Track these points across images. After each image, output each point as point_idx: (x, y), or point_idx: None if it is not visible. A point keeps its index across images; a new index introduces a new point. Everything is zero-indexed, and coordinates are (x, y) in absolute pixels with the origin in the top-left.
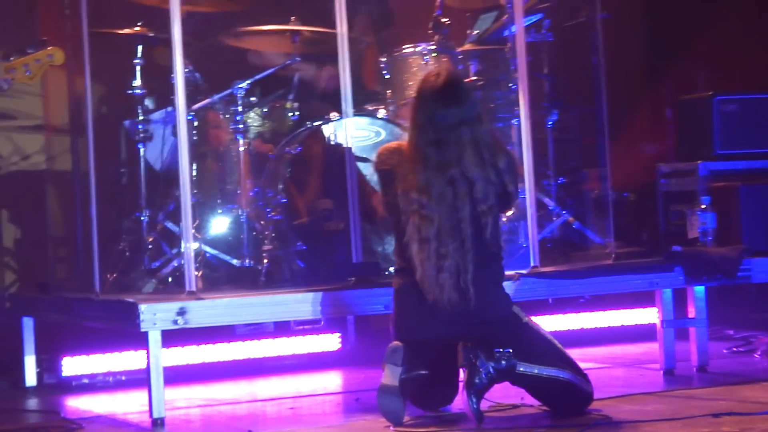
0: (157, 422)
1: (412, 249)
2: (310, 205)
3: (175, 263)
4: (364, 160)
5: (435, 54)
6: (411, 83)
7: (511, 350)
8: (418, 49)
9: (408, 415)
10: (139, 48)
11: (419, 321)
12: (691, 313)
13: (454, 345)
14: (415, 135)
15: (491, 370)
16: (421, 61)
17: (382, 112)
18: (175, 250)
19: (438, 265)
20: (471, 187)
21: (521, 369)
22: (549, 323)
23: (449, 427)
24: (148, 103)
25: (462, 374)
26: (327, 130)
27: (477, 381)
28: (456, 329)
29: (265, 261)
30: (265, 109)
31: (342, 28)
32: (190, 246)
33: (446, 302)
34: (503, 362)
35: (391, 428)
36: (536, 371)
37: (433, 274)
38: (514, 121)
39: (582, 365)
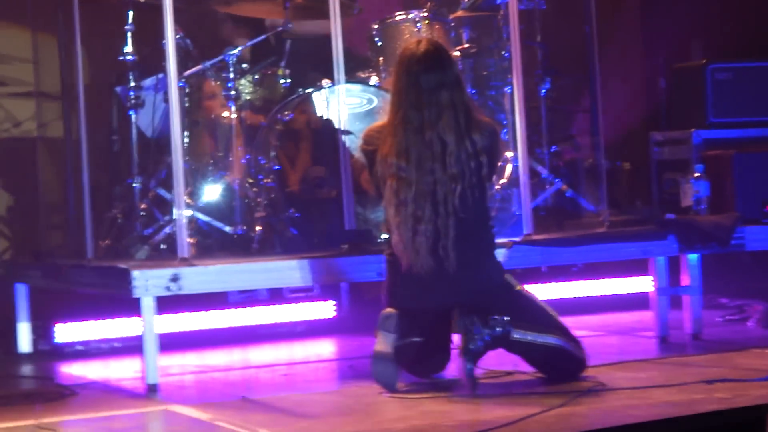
0: (151, 388)
1: (389, 213)
2: (303, 173)
3: (167, 230)
4: (347, 133)
5: (427, 21)
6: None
7: (506, 317)
8: (410, 16)
9: (401, 381)
10: (130, 14)
11: (409, 289)
12: (685, 281)
13: (447, 312)
14: (397, 100)
15: (486, 336)
16: (413, 28)
17: (374, 80)
18: (167, 217)
19: (414, 229)
20: (445, 150)
21: (516, 336)
22: (542, 291)
23: (443, 393)
24: (139, 69)
25: (457, 340)
26: (319, 97)
27: (472, 347)
28: (446, 297)
29: (258, 228)
30: (256, 76)
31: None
32: (182, 213)
33: (421, 267)
34: (498, 329)
35: (385, 394)
36: (530, 338)
37: (408, 236)
38: (507, 89)
39: (576, 333)
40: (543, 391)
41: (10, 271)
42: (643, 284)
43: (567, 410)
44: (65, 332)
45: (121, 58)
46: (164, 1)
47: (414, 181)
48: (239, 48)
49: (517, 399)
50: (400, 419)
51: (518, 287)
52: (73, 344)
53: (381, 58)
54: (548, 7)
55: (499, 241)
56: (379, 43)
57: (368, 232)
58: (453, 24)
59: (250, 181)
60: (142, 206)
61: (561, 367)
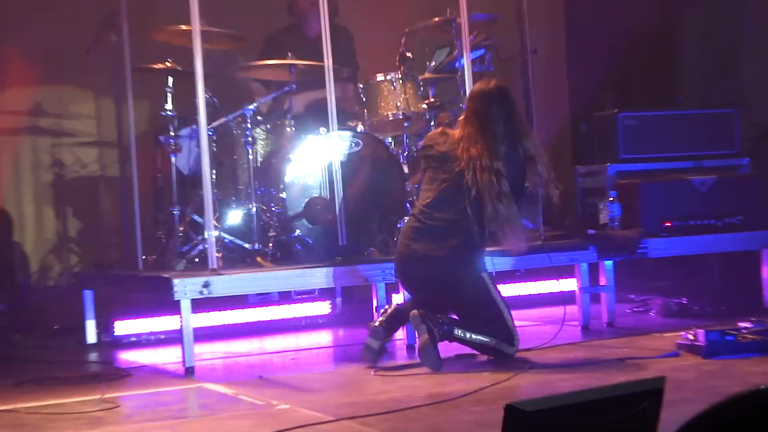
0: (189, 370)
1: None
2: (307, 200)
3: (200, 247)
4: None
5: (401, 81)
6: (383, 104)
7: (452, 317)
8: (388, 77)
9: (382, 362)
10: (170, 79)
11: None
12: (602, 281)
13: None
14: (478, 120)
15: (435, 332)
16: (390, 86)
17: (360, 127)
18: (200, 237)
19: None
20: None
21: (457, 333)
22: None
23: (415, 371)
24: (177, 122)
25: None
26: (318, 141)
27: (431, 339)
28: (425, 274)
29: (271, 245)
30: (269, 126)
31: (328, 62)
32: (211, 233)
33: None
34: (445, 327)
35: (371, 373)
36: (467, 336)
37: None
38: None
39: (518, 323)
40: (492, 368)
41: (79, 281)
42: (570, 284)
43: (512, 383)
44: (122, 327)
45: (163, 113)
46: (196, 69)
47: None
48: (254, 104)
49: (472, 375)
50: (382, 392)
51: (490, 286)
52: (128, 336)
53: (365, 110)
54: (495, 69)
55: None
56: (364, 99)
57: (357, 247)
58: (421, 83)
59: (264, 208)
60: (181, 229)
61: (494, 355)
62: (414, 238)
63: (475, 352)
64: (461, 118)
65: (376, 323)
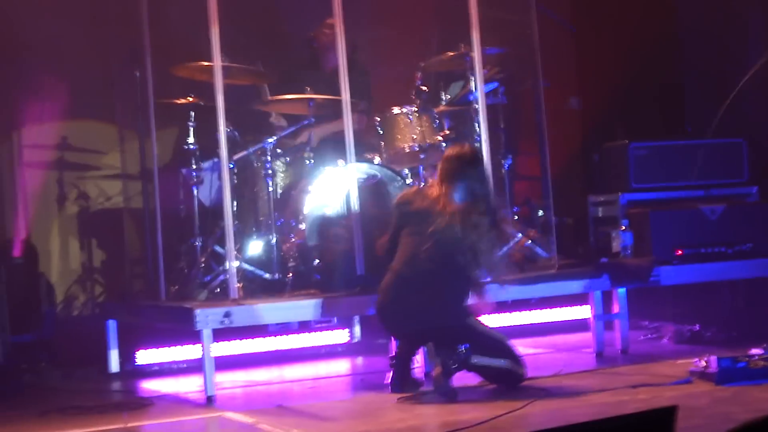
0: (210, 399)
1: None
2: (325, 232)
3: (221, 277)
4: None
5: (417, 114)
6: (399, 136)
7: (468, 345)
8: (404, 110)
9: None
10: (192, 113)
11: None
12: (616, 309)
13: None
14: (455, 180)
15: (454, 363)
16: (407, 119)
17: (377, 159)
18: (221, 267)
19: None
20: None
21: (474, 361)
22: (509, 319)
23: (431, 401)
24: (199, 155)
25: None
26: (336, 172)
27: (448, 370)
28: (421, 328)
29: (290, 275)
30: (288, 159)
31: (345, 96)
32: (232, 264)
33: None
34: (462, 355)
35: (388, 402)
36: (485, 362)
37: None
38: None
39: (531, 351)
40: (506, 397)
41: (103, 310)
42: (584, 312)
43: (525, 411)
44: (144, 356)
45: (186, 146)
46: (218, 104)
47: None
48: (274, 138)
49: (486, 404)
50: (400, 420)
51: (479, 326)
52: (150, 365)
53: (383, 143)
54: (508, 102)
55: None
56: (381, 131)
57: (375, 277)
58: (437, 116)
59: (284, 238)
60: (202, 259)
61: (507, 380)
62: (402, 293)
63: (486, 381)
64: (436, 178)
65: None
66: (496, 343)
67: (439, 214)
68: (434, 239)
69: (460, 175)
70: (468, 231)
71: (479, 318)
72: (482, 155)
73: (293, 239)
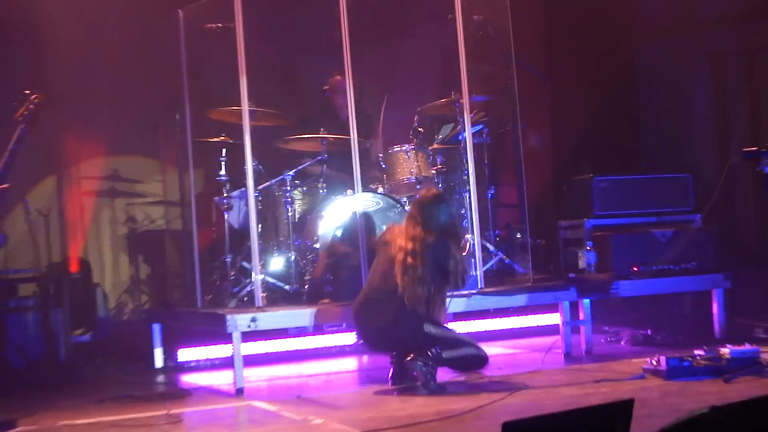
0: (240, 390)
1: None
2: (334, 250)
3: (248, 288)
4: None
5: (414, 151)
6: (399, 170)
7: (438, 347)
8: (403, 148)
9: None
10: (224, 150)
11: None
12: (581, 316)
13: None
14: (422, 220)
15: (431, 362)
16: (405, 156)
17: (380, 189)
18: (248, 280)
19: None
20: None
21: (446, 356)
22: (491, 324)
23: (426, 393)
24: (229, 185)
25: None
26: (345, 201)
27: (428, 374)
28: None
29: (306, 287)
30: (305, 189)
31: (353, 135)
32: (257, 277)
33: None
34: (435, 354)
35: (389, 394)
36: (454, 355)
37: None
38: (466, 194)
39: (510, 351)
40: (489, 389)
41: (148, 316)
42: (555, 319)
43: (506, 401)
44: (184, 354)
45: (218, 178)
46: (245, 142)
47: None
48: (293, 171)
49: (473, 395)
50: (400, 409)
51: (434, 330)
52: (189, 362)
53: (385, 176)
54: (492, 141)
55: (463, 292)
56: (384, 166)
57: None
58: (431, 153)
59: (301, 256)
60: (232, 273)
61: (476, 365)
62: (360, 317)
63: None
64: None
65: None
66: (454, 338)
67: (399, 245)
68: (389, 265)
69: (423, 217)
70: (427, 253)
71: (432, 323)
72: (443, 197)
73: (309, 256)
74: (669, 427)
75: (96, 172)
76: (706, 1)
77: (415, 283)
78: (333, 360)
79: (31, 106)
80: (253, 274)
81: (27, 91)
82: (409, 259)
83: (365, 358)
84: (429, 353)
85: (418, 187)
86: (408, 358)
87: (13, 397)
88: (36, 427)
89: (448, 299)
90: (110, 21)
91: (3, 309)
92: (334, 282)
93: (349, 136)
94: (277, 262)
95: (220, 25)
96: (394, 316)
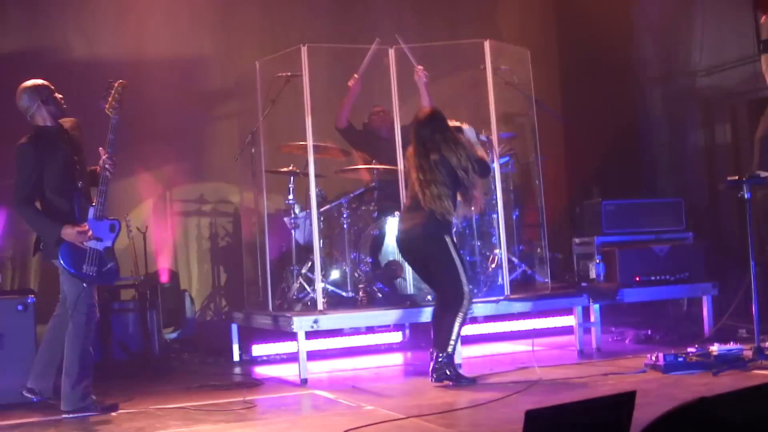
0: (303, 381)
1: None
2: (385, 262)
3: (312, 295)
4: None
5: None
6: None
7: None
8: None
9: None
10: (292, 178)
11: None
12: (592, 318)
13: None
14: (420, 142)
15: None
16: None
17: None
18: (312, 287)
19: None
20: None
21: (450, 352)
22: (515, 325)
23: (461, 385)
24: (297, 207)
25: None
26: (393, 221)
27: (455, 378)
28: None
29: (361, 293)
30: (359, 211)
31: (400, 165)
32: (319, 285)
33: None
34: (444, 361)
35: (430, 384)
36: (453, 339)
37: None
38: (495, 216)
39: (531, 349)
40: (514, 381)
41: (228, 317)
42: (569, 321)
43: (528, 392)
44: (258, 350)
45: (287, 201)
46: (310, 172)
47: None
48: (350, 195)
49: (499, 387)
50: (438, 398)
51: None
52: (261, 356)
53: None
54: (517, 171)
55: (491, 298)
56: None
57: (422, 296)
58: None
59: (356, 267)
60: (298, 282)
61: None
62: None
63: (495, 370)
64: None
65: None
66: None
67: (412, 178)
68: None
69: (418, 135)
70: (435, 171)
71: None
72: (432, 114)
73: (363, 268)
74: (664, 415)
75: (185, 196)
76: (695, 54)
77: (436, 201)
78: (382, 355)
79: (117, 95)
80: (316, 283)
81: (110, 80)
82: (423, 187)
83: (409, 354)
84: (440, 362)
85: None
86: (433, 374)
87: (116, 384)
88: (135, 410)
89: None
90: (200, 71)
91: (108, 310)
92: (383, 290)
93: (396, 166)
94: (336, 273)
95: (289, 73)
96: (423, 226)
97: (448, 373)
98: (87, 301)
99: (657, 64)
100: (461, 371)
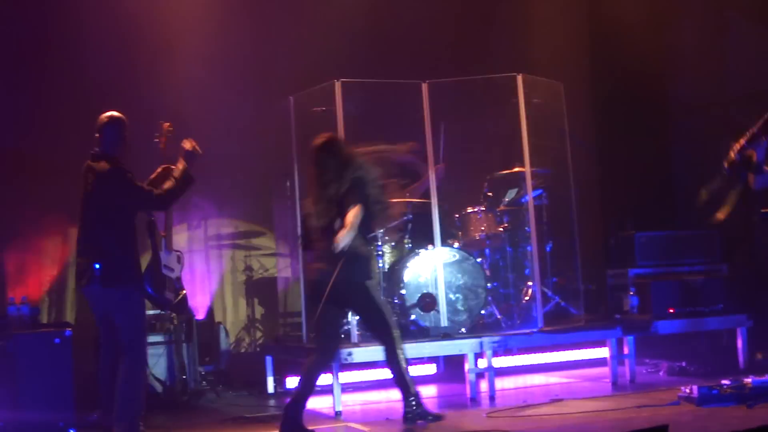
0: (338, 413)
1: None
2: (420, 295)
3: (346, 327)
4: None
5: (484, 212)
6: (472, 228)
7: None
8: (475, 209)
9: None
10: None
11: None
12: (626, 350)
13: None
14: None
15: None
16: (477, 216)
17: (456, 245)
18: (345, 320)
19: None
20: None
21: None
22: (549, 357)
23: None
24: None
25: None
26: (427, 254)
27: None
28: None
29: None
30: (393, 243)
31: (434, 200)
32: (354, 318)
33: None
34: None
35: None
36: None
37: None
38: (528, 248)
39: (565, 380)
40: (547, 413)
41: (263, 349)
42: (603, 353)
43: (562, 423)
44: (292, 382)
45: None
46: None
47: None
48: (383, 229)
49: (531, 418)
50: (471, 425)
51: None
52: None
53: (460, 233)
54: (549, 203)
55: (525, 330)
56: (459, 224)
57: (455, 328)
58: (498, 213)
59: (389, 300)
60: None
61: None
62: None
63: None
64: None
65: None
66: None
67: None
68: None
69: (317, 167)
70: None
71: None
72: (327, 141)
73: (396, 300)
74: None
75: (220, 230)
76: (728, 83)
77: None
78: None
79: (168, 135)
80: (350, 316)
81: (161, 122)
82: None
83: (443, 386)
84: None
85: (487, 242)
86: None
87: (151, 415)
88: None
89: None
90: (232, 106)
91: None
92: (416, 323)
93: (429, 200)
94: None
95: (323, 108)
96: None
97: (419, 411)
98: (144, 336)
99: (691, 95)
100: (428, 409)
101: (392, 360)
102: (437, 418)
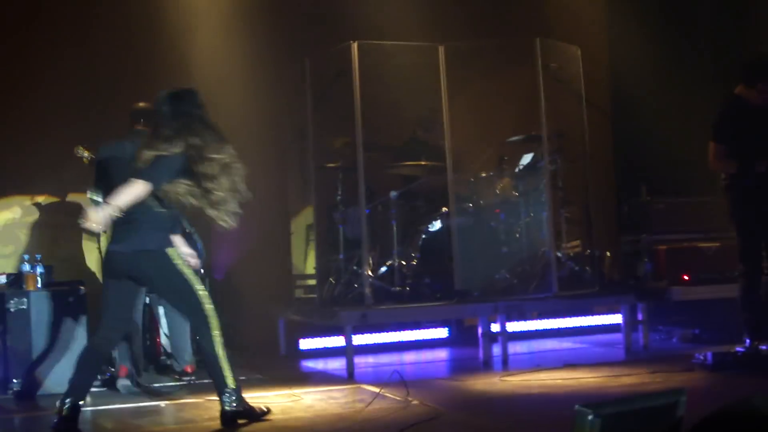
0: (350, 374)
1: None
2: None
3: (360, 289)
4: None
5: (500, 176)
6: (486, 192)
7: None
8: (490, 174)
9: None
10: (341, 173)
11: None
12: (640, 317)
13: None
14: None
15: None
16: (491, 180)
17: (471, 208)
18: (359, 282)
19: None
20: None
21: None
22: (563, 323)
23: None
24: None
25: None
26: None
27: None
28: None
29: (407, 288)
30: (407, 207)
31: (449, 162)
32: (368, 280)
33: None
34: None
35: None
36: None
37: None
38: (543, 214)
39: (579, 346)
40: (562, 378)
41: (275, 313)
42: (617, 319)
43: (577, 388)
44: (305, 344)
45: (336, 196)
46: (359, 168)
47: None
48: (396, 192)
49: (546, 382)
50: (482, 394)
51: None
52: (309, 350)
53: (475, 195)
54: (564, 169)
55: (539, 295)
56: (472, 189)
57: (468, 292)
58: (514, 178)
59: (404, 263)
60: (346, 276)
61: None
62: None
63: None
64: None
65: None
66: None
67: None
68: None
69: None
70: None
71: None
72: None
73: (410, 264)
74: (713, 413)
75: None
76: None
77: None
78: (428, 350)
79: None
80: (363, 277)
81: None
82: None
83: (454, 350)
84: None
85: (501, 206)
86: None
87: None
88: (183, 401)
89: None
90: (248, 65)
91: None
92: (429, 286)
93: (443, 163)
94: (384, 268)
95: (339, 70)
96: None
97: (239, 409)
98: None
99: (709, 62)
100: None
101: (206, 342)
102: (263, 413)
